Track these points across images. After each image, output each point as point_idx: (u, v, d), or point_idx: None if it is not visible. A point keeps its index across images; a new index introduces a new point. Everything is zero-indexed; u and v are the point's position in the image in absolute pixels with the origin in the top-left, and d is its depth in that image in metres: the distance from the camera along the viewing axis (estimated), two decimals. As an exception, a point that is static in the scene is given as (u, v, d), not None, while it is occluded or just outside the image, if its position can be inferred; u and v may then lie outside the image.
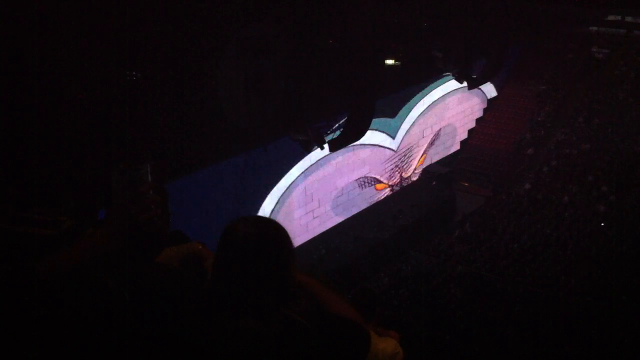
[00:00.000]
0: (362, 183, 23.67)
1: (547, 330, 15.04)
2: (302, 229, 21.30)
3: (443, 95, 26.24)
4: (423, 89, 24.66)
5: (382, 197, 24.92)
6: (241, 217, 2.19)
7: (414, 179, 26.27)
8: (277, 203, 20.39)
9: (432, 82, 24.62)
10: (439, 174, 26.20)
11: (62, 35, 8.86)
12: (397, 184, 25.18)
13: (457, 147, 28.35)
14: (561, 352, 14.51)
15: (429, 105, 25.79)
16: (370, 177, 24.03)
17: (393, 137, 24.51)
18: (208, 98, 11.67)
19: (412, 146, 25.65)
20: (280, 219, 19.83)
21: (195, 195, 17.08)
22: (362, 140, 19.12)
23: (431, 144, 26.66)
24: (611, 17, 27.69)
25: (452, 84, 24.97)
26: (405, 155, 25.48)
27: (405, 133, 25.11)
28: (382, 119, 22.68)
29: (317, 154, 19.50)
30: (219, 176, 17.89)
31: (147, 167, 1.81)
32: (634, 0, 25.57)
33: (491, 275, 18.83)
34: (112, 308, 1.77)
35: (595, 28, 28.17)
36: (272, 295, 2.12)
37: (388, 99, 21.00)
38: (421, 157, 26.21)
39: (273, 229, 2.18)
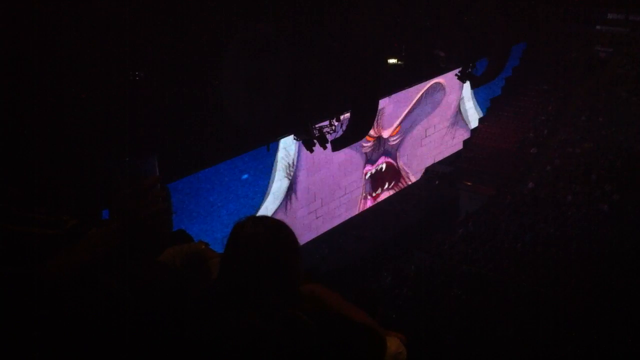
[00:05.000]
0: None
1: (549, 330, 15.02)
2: (304, 228, 21.31)
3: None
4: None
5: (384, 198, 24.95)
6: (249, 217, 2.21)
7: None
8: (280, 202, 20.41)
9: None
10: (442, 173, 26.19)
11: (63, 35, 8.86)
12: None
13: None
14: (563, 352, 14.50)
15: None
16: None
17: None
18: (210, 97, 11.67)
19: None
20: (283, 218, 19.85)
21: (198, 195, 17.11)
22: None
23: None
24: (614, 16, 27.62)
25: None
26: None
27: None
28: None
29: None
30: (222, 175, 17.92)
31: (153, 160, 1.80)
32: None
33: (494, 274, 18.81)
34: (115, 308, 1.77)
35: (598, 27, 28.10)
36: (277, 294, 2.13)
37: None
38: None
39: (280, 229, 2.20)
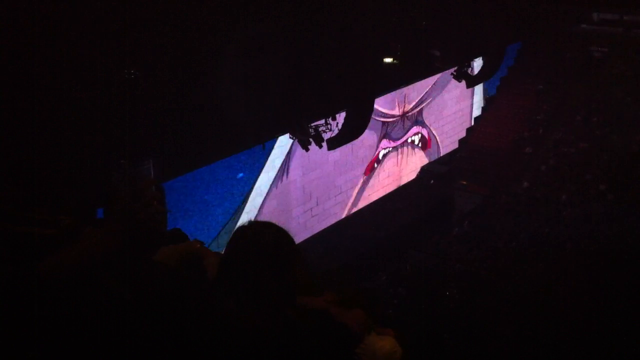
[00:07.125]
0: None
1: (546, 330, 15.06)
2: (300, 227, 21.31)
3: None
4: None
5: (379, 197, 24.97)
6: (252, 221, 2.28)
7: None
8: (276, 202, 20.39)
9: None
10: (437, 173, 26.22)
11: (61, 35, 8.85)
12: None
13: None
14: (560, 352, 14.53)
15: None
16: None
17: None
18: (206, 96, 11.67)
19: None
20: (279, 217, 19.86)
21: (193, 194, 17.10)
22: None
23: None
24: (608, 16, 27.67)
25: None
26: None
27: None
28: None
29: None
30: (218, 174, 17.90)
31: (149, 163, 1.82)
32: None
33: (490, 274, 18.85)
34: (115, 308, 1.78)
35: (593, 27, 28.15)
36: (277, 294, 2.15)
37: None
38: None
39: (282, 232, 2.25)
